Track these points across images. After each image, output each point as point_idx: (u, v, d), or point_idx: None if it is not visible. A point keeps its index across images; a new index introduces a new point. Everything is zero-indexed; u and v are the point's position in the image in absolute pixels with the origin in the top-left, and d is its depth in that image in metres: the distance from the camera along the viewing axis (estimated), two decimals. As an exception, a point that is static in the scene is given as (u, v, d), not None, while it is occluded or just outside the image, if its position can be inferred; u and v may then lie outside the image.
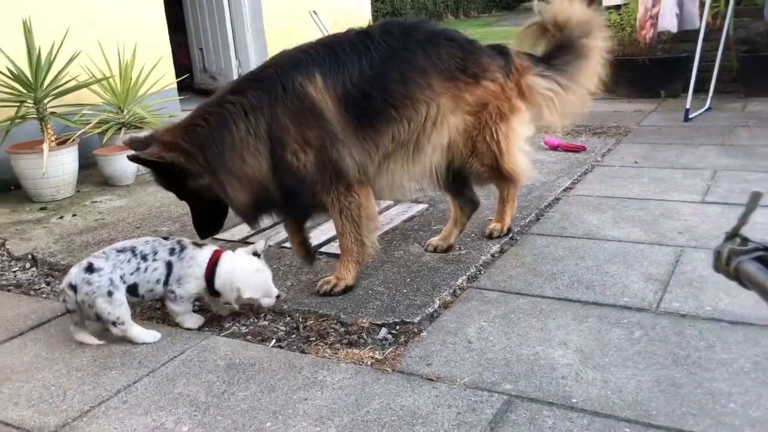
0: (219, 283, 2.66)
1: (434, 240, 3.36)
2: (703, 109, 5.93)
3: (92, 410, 2.23)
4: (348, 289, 2.94)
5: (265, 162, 2.75)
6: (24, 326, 2.87)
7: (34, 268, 3.58)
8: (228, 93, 2.81)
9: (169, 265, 2.66)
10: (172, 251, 2.68)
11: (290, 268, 3.24)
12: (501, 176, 3.23)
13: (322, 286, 2.94)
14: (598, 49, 3.35)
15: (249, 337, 2.66)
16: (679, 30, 6.21)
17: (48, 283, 3.36)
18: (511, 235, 3.44)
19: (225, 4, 7.45)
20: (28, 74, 4.72)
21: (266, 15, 7.59)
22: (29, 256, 3.69)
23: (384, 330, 2.62)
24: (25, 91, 4.73)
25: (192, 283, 2.67)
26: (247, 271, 2.67)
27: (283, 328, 2.73)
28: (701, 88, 6.03)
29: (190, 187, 2.76)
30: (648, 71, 6.72)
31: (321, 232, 3.65)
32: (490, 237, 3.41)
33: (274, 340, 2.62)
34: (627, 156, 4.81)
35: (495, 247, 3.31)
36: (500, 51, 3.22)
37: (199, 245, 2.75)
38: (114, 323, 2.58)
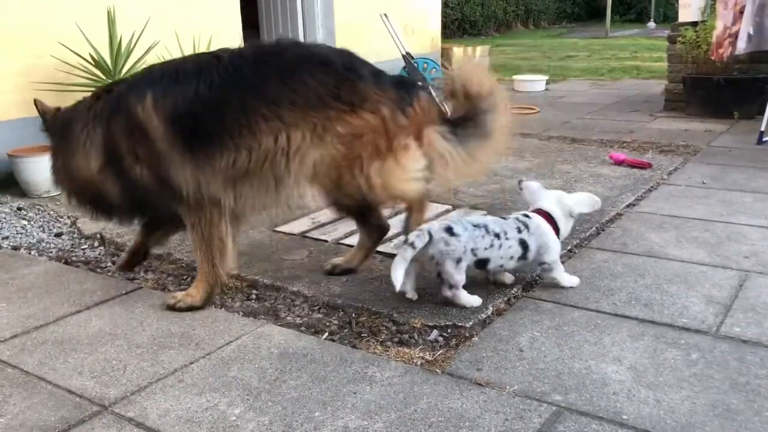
0: (565, 229, 2.99)
1: (336, 260, 3.23)
2: (778, 133, 5.73)
3: (150, 386, 2.32)
4: (193, 309, 2.88)
5: (95, 164, 2.88)
6: (90, 301, 3.00)
7: (102, 247, 3.73)
8: (103, 92, 3.01)
9: (524, 243, 2.84)
10: (519, 230, 2.86)
11: (346, 265, 3.28)
12: (375, 207, 3.08)
13: (168, 299, 2.94)
14: (503, 129, 3.12)
15: (303, 328, 2.72)
16: (756, 50, 6.03)
17: (114, 262, 3.49)
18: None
19: (298, 2, 7.59)
20: (109, 62, 4.92)
21: (337, 16, 7.69)
22: (98, 236, 3.84)
23: (435, 332, 2.64)
24: (104, 78, 4.93)
25: (554, 246, 2.90)
26: (567, 199, 3.02)
27: (336, 322, 2.77)
28: (778, 111, 5.82)
29: None
30: (722, 91, 6.54)
31: (378, 232, 3.69)
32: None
33: (326, 333, 2.67)
34: (694, 176, 4.69)
35: (552, 259, 3.28)
36: (404, 83, 3.03)
37: (526, 215, 2.95)
38: (450, 286, 2.76)
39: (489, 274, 2.96)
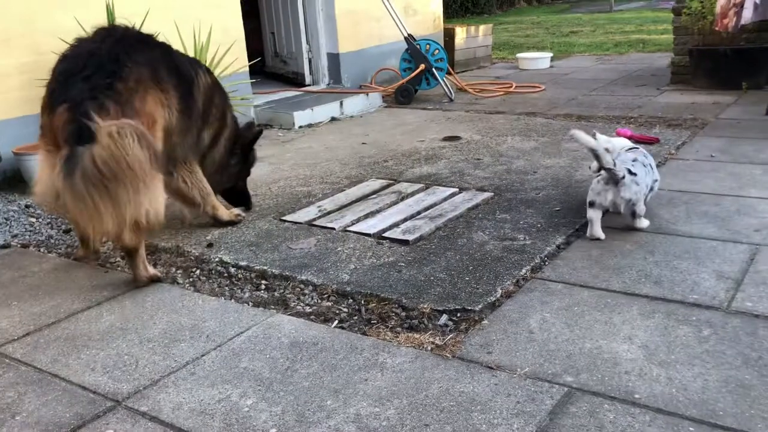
0: None
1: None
2: (787, 103, 5.66)
3: (162, 380, 2.33)
4: None
5: None
6: (100, 297, 3.01)
7: (111, 243, 3.73)
8: None
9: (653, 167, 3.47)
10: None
11: (354, 251, 3.28)
12: None
13: None
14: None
15: (312, 316, 2.72)
16: (762, 20, 5.95)
17: (123, 257, 3.50)
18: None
19: (298, -12, 7.54)
20: (110, 55, 4.90)
21: (338, 0, 7.63)
22: (106, 231, 3.86)
23: (445, 316, 2.63)
24: (106, 72, 4.92)
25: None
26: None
27: (345, 309, 2.77)
28: (786, 81, 5.75)
29: None
30: (729, 62, 6.45)
31: (383, 218, 3.68)
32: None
33: (336, 321, 2.67)
34: (703, 150, 4.65)
35: (560, 239, 3.27)
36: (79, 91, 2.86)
37: (635, 148, 3.57)
38: (638, 216, 3.29)
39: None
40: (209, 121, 3.61)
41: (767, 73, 6.34)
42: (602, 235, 3.24)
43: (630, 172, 3.18)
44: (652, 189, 3.42)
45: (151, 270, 3.13)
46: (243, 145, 3.90)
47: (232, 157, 3.86)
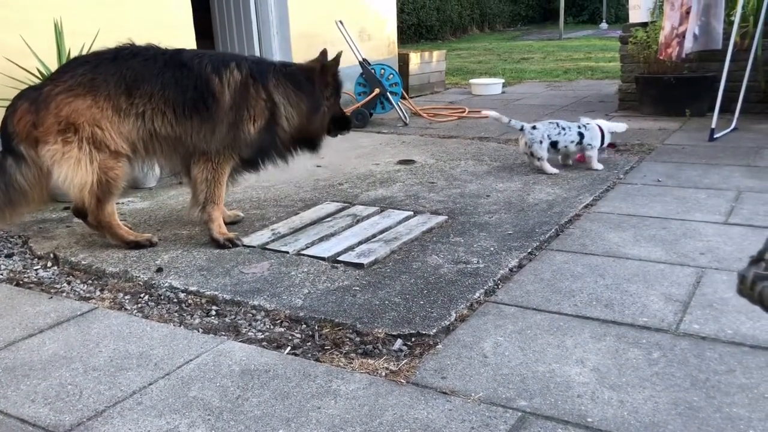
0: (609, 137, 5.03)
1: None
2: (728, 130, 5.87)
3: (107, 410, 2.25)
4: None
5: None
6: (43, 324, 2.91)
7: (56, 267, 3.62)
8: None
9: (581, 134, 4.87)
10: (579, 128, 4.89)
11: (307, 275, 3.24)
12: None
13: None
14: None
15: (264, 343, 2.67)
16: (703, 50, 6.17)
17: (68, 282, 3.39)
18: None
19: (252, 11, 7.52)
20: (57, 75, 4.78)
21: (293, 23, 7.64)
22: (51, 255, 3.73)
23: (399, 341, 2.62)
24: (53, 92, 4.79)
25: (597, 141, 4.88)
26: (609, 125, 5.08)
27: (298, 335, 2.73)
28: (727, 108, 5.96)
29: None
30: (673, 90, 6.68)
31: (337, 242, 3.66)
32: None
33: (289, 347, 2.63)
34: (650, 174, 4.77)
35: (513, 262, 3.29)
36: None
37: (587, 124, 4.95)
38: (539, 159, 4.85)
39: (560, 154, 4.97)
40: (249, 113, 3.65)
41: (709, 101, 6.55)
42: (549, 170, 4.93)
43: (533, 126, 4.84)
44: (580, 145, 4.87)
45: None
46: (327, 79, 3.85)
47: (324, 97, 3.84)
